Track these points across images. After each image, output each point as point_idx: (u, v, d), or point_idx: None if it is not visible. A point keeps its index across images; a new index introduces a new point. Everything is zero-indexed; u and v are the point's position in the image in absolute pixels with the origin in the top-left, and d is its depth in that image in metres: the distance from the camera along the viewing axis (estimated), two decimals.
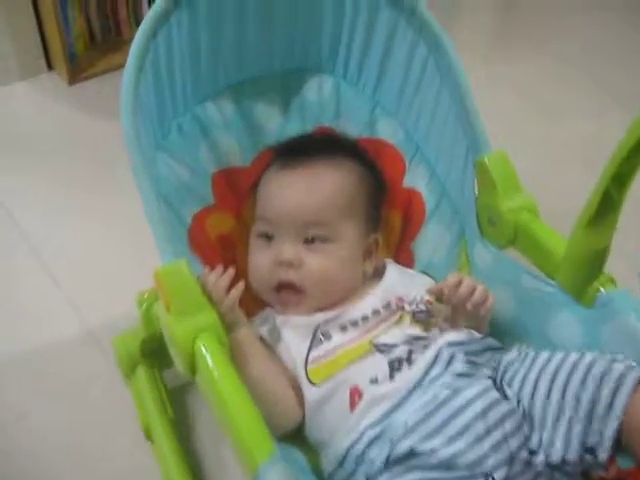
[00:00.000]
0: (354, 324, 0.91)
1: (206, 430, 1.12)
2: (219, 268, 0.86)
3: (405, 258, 1.09)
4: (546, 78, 1.96)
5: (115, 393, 1.15)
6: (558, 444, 0.74)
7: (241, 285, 0.85)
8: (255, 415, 0.72)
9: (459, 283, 0.87)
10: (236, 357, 0.82)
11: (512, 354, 0.85)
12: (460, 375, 0.82)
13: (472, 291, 0.87)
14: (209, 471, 1.08)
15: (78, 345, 1.25)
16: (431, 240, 1.08)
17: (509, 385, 0.81)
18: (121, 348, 1.12)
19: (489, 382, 0.80)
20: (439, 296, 0.88)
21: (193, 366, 0.78)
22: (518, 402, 0.79)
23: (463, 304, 0.87)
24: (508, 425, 0.75)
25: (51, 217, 1.49)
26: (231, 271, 0.86)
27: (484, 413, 0.76)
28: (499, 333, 0.95)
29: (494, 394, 0.78)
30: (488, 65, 1.99)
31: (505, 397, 0.79)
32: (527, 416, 0.77)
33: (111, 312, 1.26)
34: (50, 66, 1.90)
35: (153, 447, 1.09)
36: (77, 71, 1.87)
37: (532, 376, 0.79)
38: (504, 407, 0.77)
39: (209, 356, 0.75)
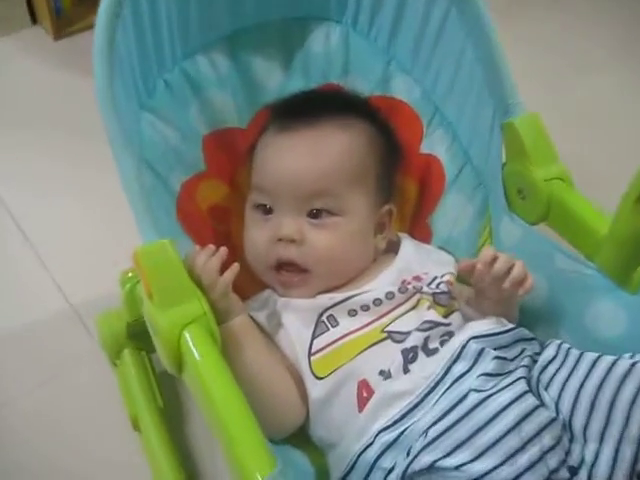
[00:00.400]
0: (365, 308, 0.81)
1: (199, 420, 1.04)
2: (209, 247, 0.75)
3: (421, 232, 1.00)
4: (572, 35, 1.85)
5: (102, 376, 1.08)
6: (604, 464, 0.64)
7: (235, 267, 0.74)
8: (251, 422, 0.62)
9: (494, 259, 0.77)
10: (230, 350, 0.72)
11: (550, 351, 0.75)
12: (490, 375, 0.71)
13: (510, 269, 0.77)
14: (201, 466, 1.00)
15: (62, 325, 1.18)
16: (451, 213, 0.99)
17: (546, 389, 0.70)
18: (105, 329, 1.03)
19: (524, 385, 0.69)
20: (470, 273, 0.78)
21: (180, 363, 0.69)
22: (557, 409, 0.68)
23: (498, 284, 0.77)
24: (547, 439, 0.65)
25: (32, 190, 1.41)
26: (223, 250, 0.75)
27: (519, 424, 0.65)
28: (527, 321, 0.86)
29: (531, 400, 0.67)
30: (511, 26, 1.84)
31: (542, 403, 0.68)
32: (567, 427, 0.67)
33: (96, 290, 1.19)
34: (34, 20, 1.81)
35: (141, 438, 1.01)
36: (63, 26, 1.78)
37: (574, 382, 0.69)
38: (542, 416, 0.66)
39: (197, 352, 0.67)
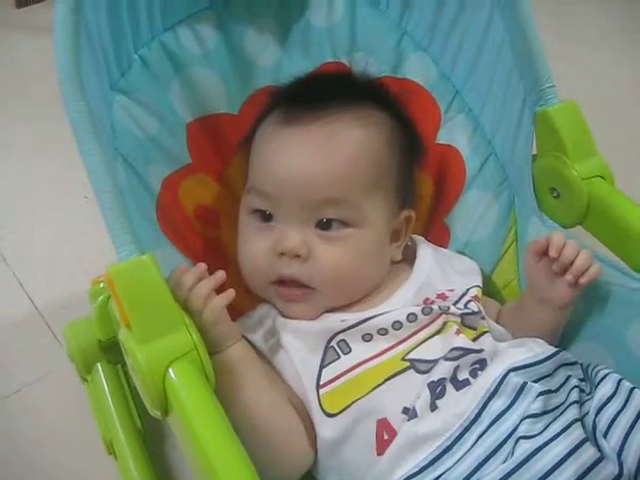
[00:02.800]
0: (382, 332, 0.70)
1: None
2: (199, 267, 0.63)
3: (438, 234, 0.91)
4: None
5: (70, 391, 0.97)
6: None
7: (230, 293, 0.63)
8: (247, 472, 0.52)
9: (564, 244, 0.72)
10: (224, 385, 0.62)
11: (607, 387, 0.65)
12: (536, 416, 0.61)
13: (576, 255, 0.72)
14: None
15: (26, 330, 1.08)
16: (472, 212, 0.90)
17: (605, 436, 0.60)
18: (73, 342, 0.91)
19: (581, 431, 0.59)
20: (538, 258, 0.74)
21: (164, 405, 0.59)
22: (620, 462, 0.58)
23: (562, 271, 0.72)
24: None
25: None
26: (220, 276, 0.64)
27: None
28: (562, 339, 0.79)
29: (590, 452, 0.57)
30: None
31: (602, 454, 0.58)
32: None
33: (65, 291, 1.10)
34: None
35: (117, 464, 0.89)
36: None
37: None
38: (605, 472, 0.56)
39: (185, 393, 0.57)
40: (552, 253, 0.72)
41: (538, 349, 0.69)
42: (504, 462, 0.59)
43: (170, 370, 0.56)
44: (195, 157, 0.84)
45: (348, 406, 0.66)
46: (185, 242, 0.78)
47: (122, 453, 0.87)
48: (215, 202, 0.86)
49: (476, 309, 0.73)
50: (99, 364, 0.92)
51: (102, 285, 0.84)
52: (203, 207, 0.84)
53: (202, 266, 0.63)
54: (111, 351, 0.90)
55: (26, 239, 1.21)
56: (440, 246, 0.86)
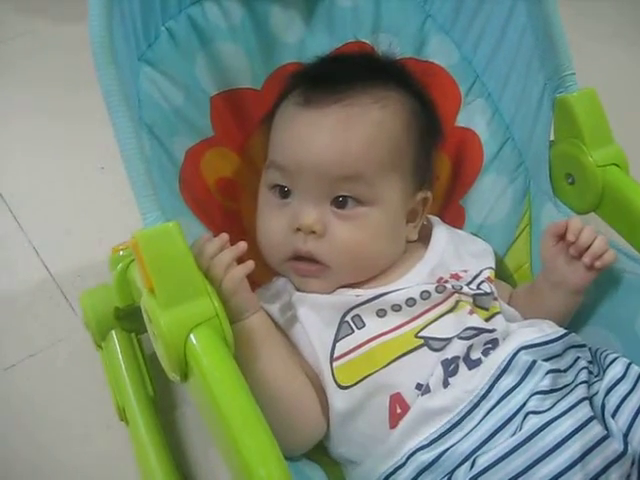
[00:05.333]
0: (396, 308, 0.70)
1: (195, 413, 0.93)
2: (222, 236, 0.64)
3: (453, 216, 0.91)
4: None
5: (84, 358, 0.98)
6: None
7: (250, 264, 0.64)
8: (268, 439, 0.53)
9: (582, 228, 0.73)
10: (244, 353, 0.63)
11: (616, 369, 0.66)
12: (545, 392, 0.62)
13: (593, 240, 0.73)
14: (196, 463, 0.90)
15: (41, 295, 1.07)
16: (487, 195, 0.90)
17: (613, 416, 0.61)
18: (89, 310, 0.91)
19: (589, 409, 0.60)
20: (556, 237, 0.75)
21: (185, 369, 0.59)
22: (625, 442, 0.59)
23: (579, 255, 0.73)
24: (614, 476, 0.57)
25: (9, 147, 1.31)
26: (242, 246, 0.64)
27: (584, 457, 0.56)
28: (573, 321, 0.79)
29: (597, 429, 0.58)
30: None
31: (608, 432, 0.59)
32: (637, 464, 0.58)
33: (80, 260, 1.09)
34: None
35: (128, 430, 0.90)
36: None
37: None
38: (610, 450, 0.57)
39: (206, 359, 0.57)
40: (570, 237, 0.73)
41: (549, 329, 0.70)
42: (513, 435, 0.60)
43: (191, 335, 0.57)
44: (218, 130, 0.84)
45: (361, 380, 0.67)
46: (206, 213, 0.78)
47: (134, 419, 0.88)
48: (236, 175, 0.86)
49: (488, 290, 0.73)
50: (114, 332, 0.93)
51: (122, 253, 0.85)
52: (224, 179, 0.84)
53: (224, 236, 0.64)
54: (126, 319, 0.91)
55: (42, 208, 1.20)
56: (455, 227, 0.86)
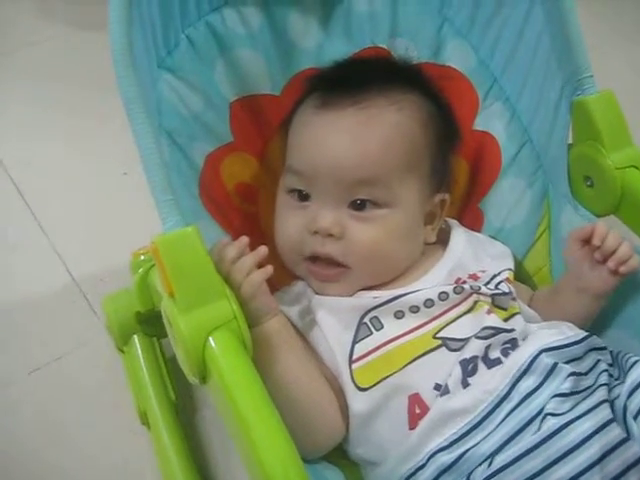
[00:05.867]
0: (414, 310, 0.71)
1: (215, 416, 0.93)
2: (242, 240, 0.64)
3: (472, 219, 0.91)
4: None
5: (107, 362, 0.98)
6: None
7: (269, 269, 0.64)
8: (286, 442, 0.53)
9: (607, 233, 0.73)
10: (262, 357, 0.63)
11: (638, 371, 0.65)
12: (565, 395, 0.62)
13: (618, 245, 0.73)
14: (217, 467, 0.90)
15: (63, 300, 1.08)
16: (506, 198, 0.90)
17: (635, 418, 0.60)
18: (112, 315, 0.93)
19: (608, 411, 0.60)
20: (581, 241, 0.75)
21: (204, 372, 0.60)
22: None
23: (604, 259, 0.73)
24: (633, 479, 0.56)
25: (30, 145, 1.33)
26: (263, 251, 0.65)
27: (603, 459, 0.56)
28: (593, 327, 0.78)
29: (616, 431, 0.58)
30: None
31: (629, 435, 0.59)
32: None
33: (103, 265, 1.10)
34: None
35: (150, 434, 0.91)
36: None
37: None
38: (630, 452, 0.57)
39: (225, 362, 0.58)
40: (595, 241, 0.73)
41: (569, 332, 0.70)
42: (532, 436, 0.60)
43: (210, 338, 0.58)
44: (237, 136, 0.84)
45: (380, 381, 0.67)
46: (225, 217, 0.79)
47: (155, 423, 0.89)
48: (255, 180, 0.86)
49: (507, 290, 0.73)
50: (136, 336, 0.94)
51: (143, 257, 0.86)
52: (243, 184, 0.85)
53: (244, 239, 0.64)
54: (148, 323, 0.92)
55: (65, 213, 1.21)
56: (474, 230, 0.86)
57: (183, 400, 0.94)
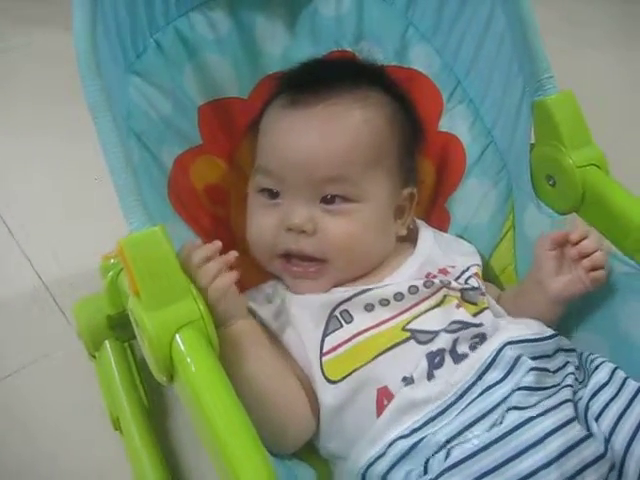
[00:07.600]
0: (384, 303, 0.72)
1: (188, 420, 0.93)
2: (213, 245, 0.65)
3: (438, 218, 0.93)
4: None
5: (80, 366, 0.98)
6: None
7: (234, 274, 0.65)
8: (251, 438, 0.54)
9: (585, 235, 0.73)
10: (230, 358, 0.63)
11: (602, 374, 0.67)
12: (530, 389, 0.62)
13: (595, 249, 0.73)
14: (190, 471, 0.90)
15: (33, 304, 1.08)
16: (471, 198, 0.91)
17: (597, 419, 0.62)
18: (82, 320, 0.92)
19: (571, 410, 0.61)
20: (560, 245, 0.74)
21: (170, 370, 0.60)
22: (606, 446, 0.59)
23: (577, 262, 0.73)
24: (590, 478, 0.57)
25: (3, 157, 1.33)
26: (232, 255, 0.65)
27: (562, 456, 0.56)
28: (560, 329, 0.78)
29: (577, 430, 0.59)
30: None
31: (590, 434, 0.60)
32: (616, 468, 0.59)
33: (73, 269, 1.10)
34: None
35: (123, 440, 0.90)
36: None
37: (632, 419, 0.61)
38: (589, 451, 0.57)
39: (191, 359, 0.58)
40: (574, 236, 0.73)
41: (537, 328, 0.71)
42: (491, 427, 0.60)
43: (177, 336, 0.58)
44: (206, 138, 0.85)
45: (349, 374, 0.68)
46: (195, 219, 0.80)
47: (128, 429, 0.88)
48: (224, 182, 0.87)
49: (476, 285, 0.74)
50: (107, 341, 0.93)
51: (112, 261, 0.86)
52: (213, 186, 0.86)
53: (217, 244, 0.65)
54: (119, 328, 0.92)
55: (36, 218, 1.21)
56: (440, 229, 0.88)
57: (155, 405, 0.93)
